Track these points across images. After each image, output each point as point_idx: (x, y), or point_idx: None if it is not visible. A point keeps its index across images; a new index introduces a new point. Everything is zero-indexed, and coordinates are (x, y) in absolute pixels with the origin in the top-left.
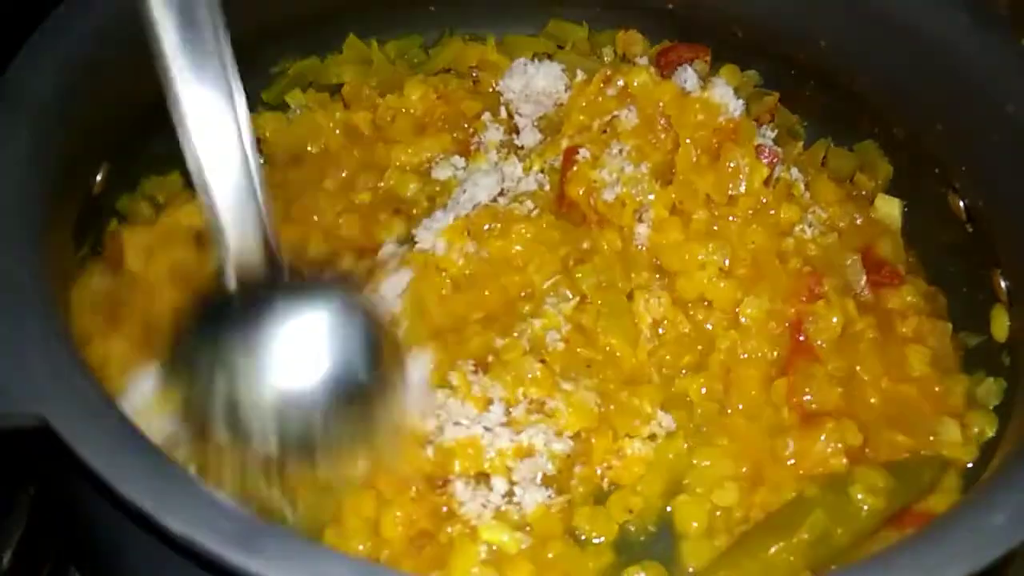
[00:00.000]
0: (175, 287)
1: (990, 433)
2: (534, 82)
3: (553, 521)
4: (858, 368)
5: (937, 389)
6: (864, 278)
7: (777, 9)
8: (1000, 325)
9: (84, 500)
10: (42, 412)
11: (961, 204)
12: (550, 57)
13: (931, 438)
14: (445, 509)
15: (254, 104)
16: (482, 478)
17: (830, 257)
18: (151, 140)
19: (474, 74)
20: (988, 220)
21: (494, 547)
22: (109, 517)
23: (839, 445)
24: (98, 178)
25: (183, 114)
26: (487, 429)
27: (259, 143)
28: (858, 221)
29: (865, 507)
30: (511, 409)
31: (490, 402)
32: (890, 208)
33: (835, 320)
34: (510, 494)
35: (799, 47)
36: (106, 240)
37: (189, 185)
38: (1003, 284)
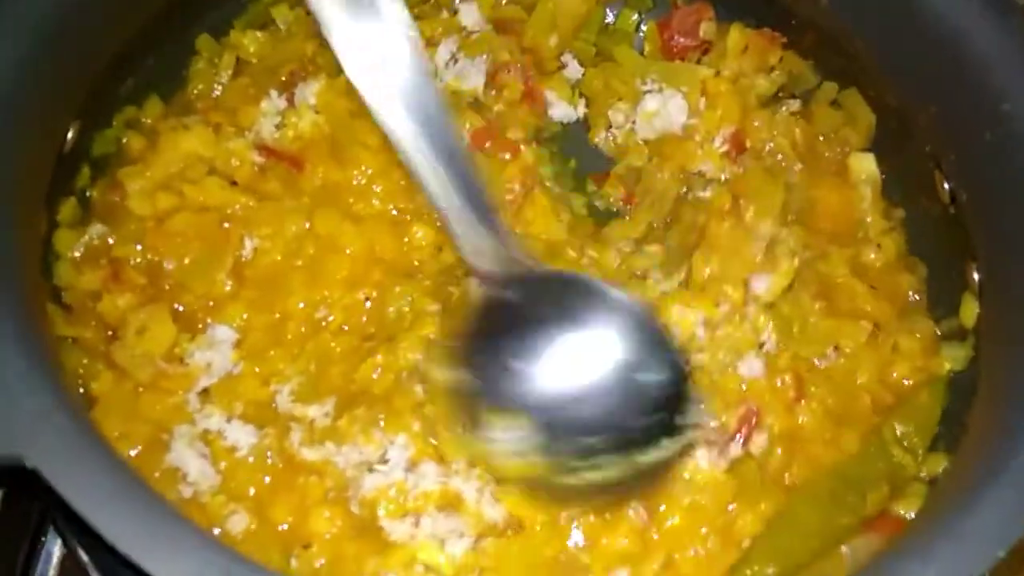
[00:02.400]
0: (189, 225)
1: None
2: None
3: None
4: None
5: None
6: None
7: None
8: (968, 312)
9: None
10: (22, 452)
11: (946, 186)
12: None
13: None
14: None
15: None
16: (409, 515)
17: None
18: (121, 84)
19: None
20: (969, 211)
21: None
22: None
23: None
24: (69, 135)
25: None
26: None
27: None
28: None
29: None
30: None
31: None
32: (866, 164)
33: None
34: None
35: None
36: (96, 191)
37: (171, 108)
38: (975, 276)
